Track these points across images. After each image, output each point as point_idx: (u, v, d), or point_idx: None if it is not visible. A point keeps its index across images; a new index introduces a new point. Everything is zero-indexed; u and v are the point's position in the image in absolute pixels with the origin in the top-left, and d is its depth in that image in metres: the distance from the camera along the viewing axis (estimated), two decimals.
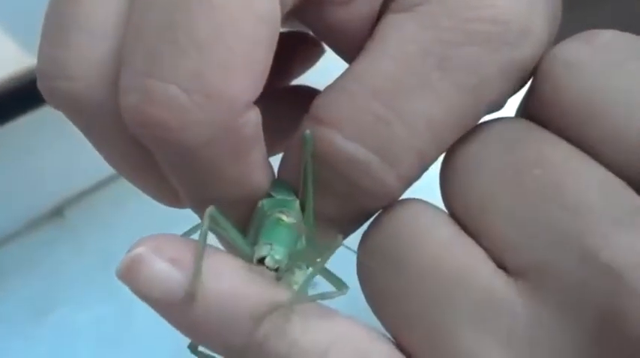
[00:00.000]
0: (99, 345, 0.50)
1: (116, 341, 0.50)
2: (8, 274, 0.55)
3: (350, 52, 0.20)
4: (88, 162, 0.55)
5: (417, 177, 0.19)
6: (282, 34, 0.18)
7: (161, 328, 0.50)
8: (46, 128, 0.51)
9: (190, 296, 0.17)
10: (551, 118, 0.17)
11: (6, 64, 0.48)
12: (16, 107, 0.49)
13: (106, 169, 0.61)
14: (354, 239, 0.20)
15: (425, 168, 0.19)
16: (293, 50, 0.28)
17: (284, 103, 0.23)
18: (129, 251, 0.18)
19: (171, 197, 0.21)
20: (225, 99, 0.17)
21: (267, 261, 0.18)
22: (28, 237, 0.57)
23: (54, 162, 0.55)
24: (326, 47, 0.29)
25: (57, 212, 0.58)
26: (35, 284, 0.54)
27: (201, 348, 0.19)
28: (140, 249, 0.17)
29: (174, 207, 0.22)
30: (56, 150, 0.54)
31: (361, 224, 0.20)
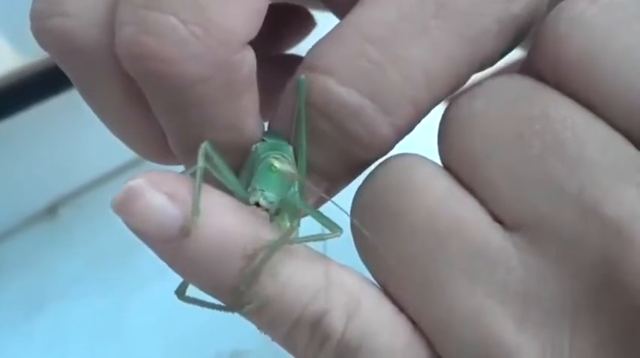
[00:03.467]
0: (92, 340, 0.51)
1: (109, 336, 0.50)
2: (3, 271, 0.55)
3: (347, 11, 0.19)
4: (82, 160, 0.55)
5: (410, 127, 0.19)
6: (276, 6, 0.18)
7: (153, 323, 0.51)
8: (41, 126, 0.51)
9: (185, 231, 0.17)
10: (554, 75, 0.17)
11: None
12: (9, 105, 0.49)
13: (100, 168, 0.61)
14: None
15: (419, 119, 0.19)
16: (286, 22, 0.28)
17: (276, 72, 0.23)
18: (125, 183, 0.17)
19: (159, 150, 0.20)
20: (222, 33, 0.17)
21: (260, 202, 0.18)
22: (23, 235, 0.57)
23: (48, 160, 0.55)
24: (317, 20, 0.29)
25: (51, 210, 0.58)
26: (29, 281, 0.54)
27: (188, 294, 0.19)
28: (137, 181, 0.17)
29: (162, 163, 0.21)
30: (51, 149, 0.54)
31: (354, 177, 0.20)
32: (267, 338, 0.19)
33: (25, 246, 0.57)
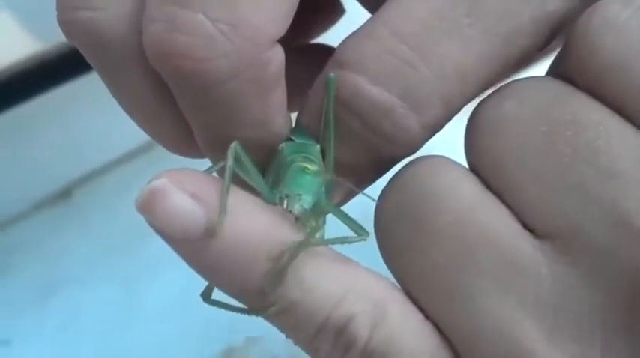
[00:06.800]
0: (104, 325, 0.51)
1: (121, 322, 0.50)
2: (16, 254, 0.55)
3: (378, 4, 0.19)
4: (97, 144, 0.55)
5: (440, 125, 0.19)
6: None
7: (166, 309, 0.51)
8: (55, 110, 0.51)
9: (211, 232, 0.16)
10: (584, 78, 0.17)
11: (14, 49, 0.48)
12: (23, 91, 0.49)
13: (115, 151, 0.62)
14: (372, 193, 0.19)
15: (449, 117, 0.19)
16: (313, 10, 0.28)
17: (302, 61, 0.22)
18: (149, 182, 0.17)
19: (185, 144, 0.20)
20: (251, 31, 0.17)
21: (296, 209, 0.18)
22: (36, 218, 0.57)
23: (63, 143, 0.55)
24: (346, 7, 0.29)
25: (65, 193, 0.59)
26: (42, 265, 0.55)
27: (214, 297, 0.19)
28: (161, 181, 0.17)
29: (188, 156, 0.21)
30: (65, 132, 0.54)
31: (381, 174, 0.20)
32: None
33: (39, 230, 0.57)
